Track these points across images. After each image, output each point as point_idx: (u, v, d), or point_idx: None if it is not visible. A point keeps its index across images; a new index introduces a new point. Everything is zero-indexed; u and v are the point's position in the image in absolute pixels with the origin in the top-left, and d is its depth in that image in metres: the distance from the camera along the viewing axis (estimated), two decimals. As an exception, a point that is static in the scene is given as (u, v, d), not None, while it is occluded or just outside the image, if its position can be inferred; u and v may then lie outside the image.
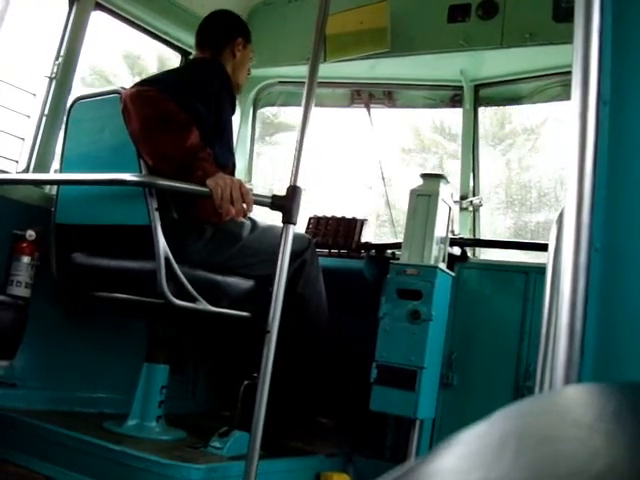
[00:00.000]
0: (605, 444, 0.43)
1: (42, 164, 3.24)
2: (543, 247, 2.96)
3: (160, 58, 4.37)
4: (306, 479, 2.87)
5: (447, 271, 3.08)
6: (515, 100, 3.93)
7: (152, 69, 4.42)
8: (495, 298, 3.21)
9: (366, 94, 4.21)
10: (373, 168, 4.27)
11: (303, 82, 2.39)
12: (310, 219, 3.67)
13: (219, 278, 2.68)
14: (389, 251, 3.43)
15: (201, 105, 2.71)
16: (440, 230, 3.05)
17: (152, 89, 2.68)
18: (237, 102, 3.02)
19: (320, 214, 3.69)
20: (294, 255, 2.73)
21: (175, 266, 2.49)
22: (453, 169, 4.13)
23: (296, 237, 2.73)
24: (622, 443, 0.43)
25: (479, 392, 3.11)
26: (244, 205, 2.51)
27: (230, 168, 2.82)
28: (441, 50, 3.58)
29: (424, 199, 3.01)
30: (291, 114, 4.86)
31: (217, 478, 2.41)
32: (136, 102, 2.62)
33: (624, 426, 0.46)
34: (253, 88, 4.21)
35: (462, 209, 3.74)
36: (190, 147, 2.56)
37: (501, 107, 4.17)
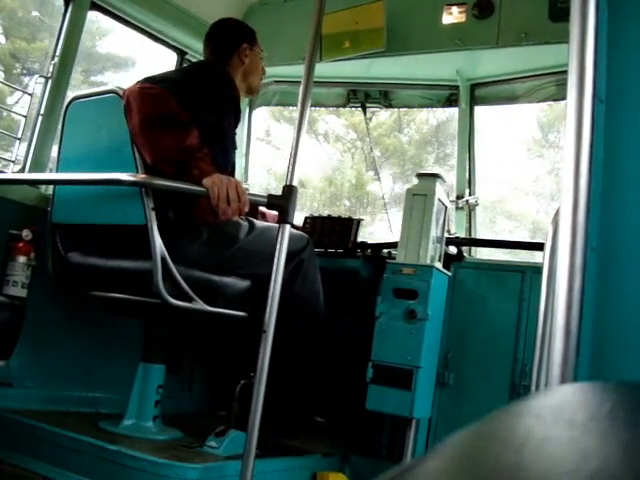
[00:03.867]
0: (599, 444, 0.43)
1: (38, 164, 3.24)
2: (539, 246, 2.97)
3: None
4: (302, 478, 2.87)
5: (443, 270, 3.08)
6: (511, 99, 3.93)
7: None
8: (491, 297, 3.21)
9: (362, 94, 4.22)
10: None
11: (299, 82, 2.39)
12: (306, 218, 3.67)
13: (215, 278, 2.68)
14: (385, 250, 3.43)
15: (203, 106, 2.73)
16: (436, 229, 3.05)
17: (156, 87, 2.70)
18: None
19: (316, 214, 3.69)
20: (292, 254, 2.73)
21: (171, 266, 2.49)
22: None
23: (294, 236, 2.74)
24: (616, 443, 0.43)
25: (475, 391, 3.11)
26: (240, 204, 2.51)
27: (227, 174, 2.82)
28: (437, 50, 3.59)
29: (420, 199, 3.01)
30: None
31: (213, 478, 2.41)
32: (138, 99, 2.63)
33: (619, 426, 0.47)
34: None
35: (458, 208, 3.75)
36: (188, 146, 2.57)
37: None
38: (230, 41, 3.09)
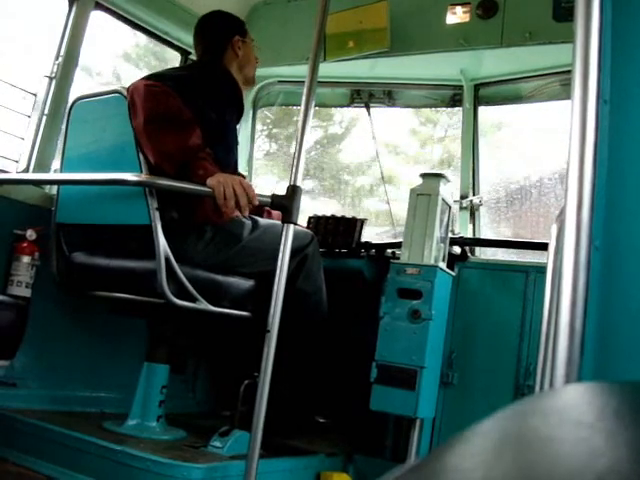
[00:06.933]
0: (605, 444, 0.43)
1: (42, 164, 3.24)
2: (543, 246, 2.97)
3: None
4: (306, 478, 2.87)
5: (447, 270, 3.08)
6: (515, 99, 3.93)
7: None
8: (495, 297, 3.21)
9: (366, 94, 4.21)
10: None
11: (303, 82, 2.40)
12: (310, 218, 3.67)
13: (219, 278, 2.68)
14: (389, 250, 3.43)
15: (206, 103, 2.73)
16: (440, 229, 3.05)
17: (159, 84, 2.71)
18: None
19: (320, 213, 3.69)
20: (296, 250, 2.73)
21: (175, 266, 2.49)
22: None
23: (299, 233, 2.74)
24: (622, 443, 0.43)
25: (479, 391, 3.11)
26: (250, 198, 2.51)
27: (230, 171, 2.82)
28: (441, 49, 3.58)
29: (424, 199, 3.01)
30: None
31: (217, 477, 2.41)
32: (142, 96, 2.64)
33: (624, 425, 0.47)
34: (252, 88, 4.20)
35: (462, 208, 3.75)
36: (191, 146, 2.58)
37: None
38: (222, 35, 3.08)
